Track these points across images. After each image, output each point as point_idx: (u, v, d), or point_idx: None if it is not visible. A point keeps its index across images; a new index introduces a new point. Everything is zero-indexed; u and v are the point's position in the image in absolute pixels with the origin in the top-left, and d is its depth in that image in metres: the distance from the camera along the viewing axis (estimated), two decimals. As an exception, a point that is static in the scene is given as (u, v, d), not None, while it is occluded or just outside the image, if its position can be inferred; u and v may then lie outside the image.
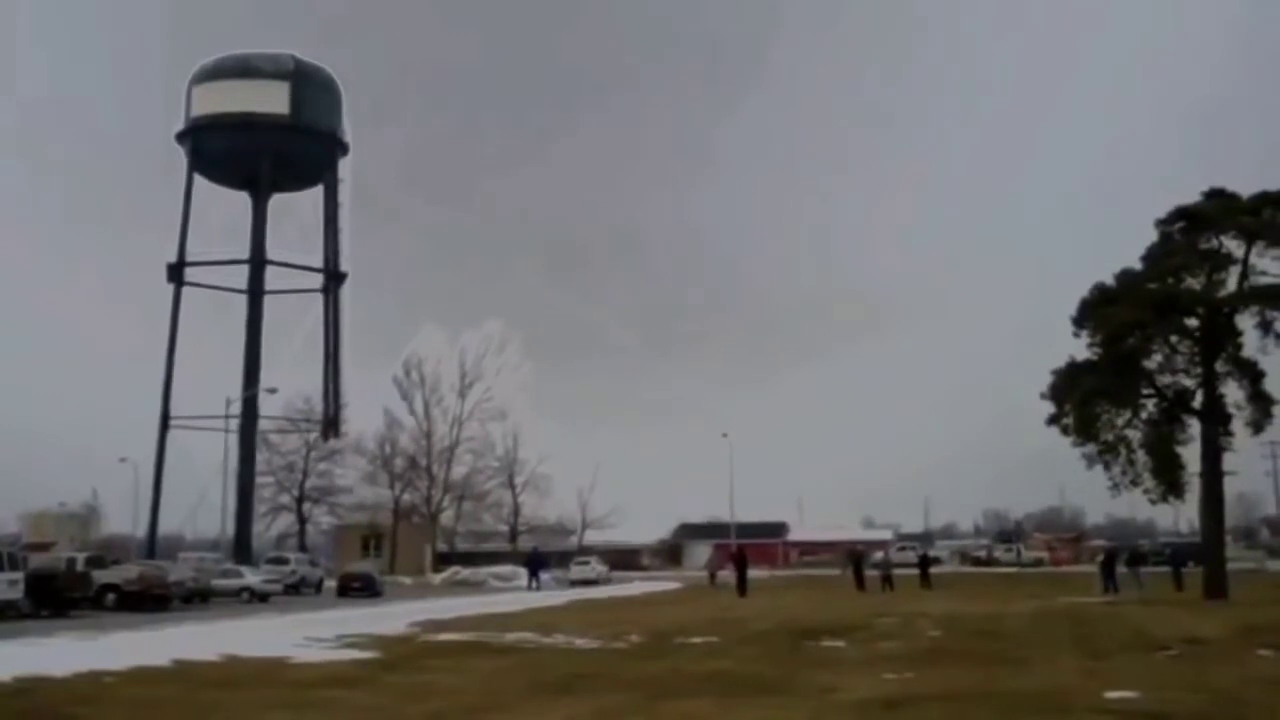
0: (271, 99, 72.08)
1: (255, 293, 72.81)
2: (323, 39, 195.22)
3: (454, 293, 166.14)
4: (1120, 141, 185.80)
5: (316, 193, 77.45)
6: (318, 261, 76.09)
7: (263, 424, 74.63)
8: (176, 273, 71.42)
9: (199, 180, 74.69)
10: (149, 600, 37.09)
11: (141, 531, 73.40)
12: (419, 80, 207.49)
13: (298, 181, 75.99)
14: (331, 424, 77.92)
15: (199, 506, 68.12)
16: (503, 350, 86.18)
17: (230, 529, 66.13)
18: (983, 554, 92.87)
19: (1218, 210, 36.56)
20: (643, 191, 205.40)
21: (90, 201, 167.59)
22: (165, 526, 76.21)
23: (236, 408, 64.94)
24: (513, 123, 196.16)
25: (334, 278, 75.78)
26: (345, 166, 77.98)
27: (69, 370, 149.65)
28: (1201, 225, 36.90)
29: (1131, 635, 21.91)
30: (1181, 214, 37.24)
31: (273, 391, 64.40)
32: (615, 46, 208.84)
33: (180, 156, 74.90)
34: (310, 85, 74.13)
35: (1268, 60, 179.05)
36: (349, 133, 77.74)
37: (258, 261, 72.01)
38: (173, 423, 71.59)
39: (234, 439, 65.98)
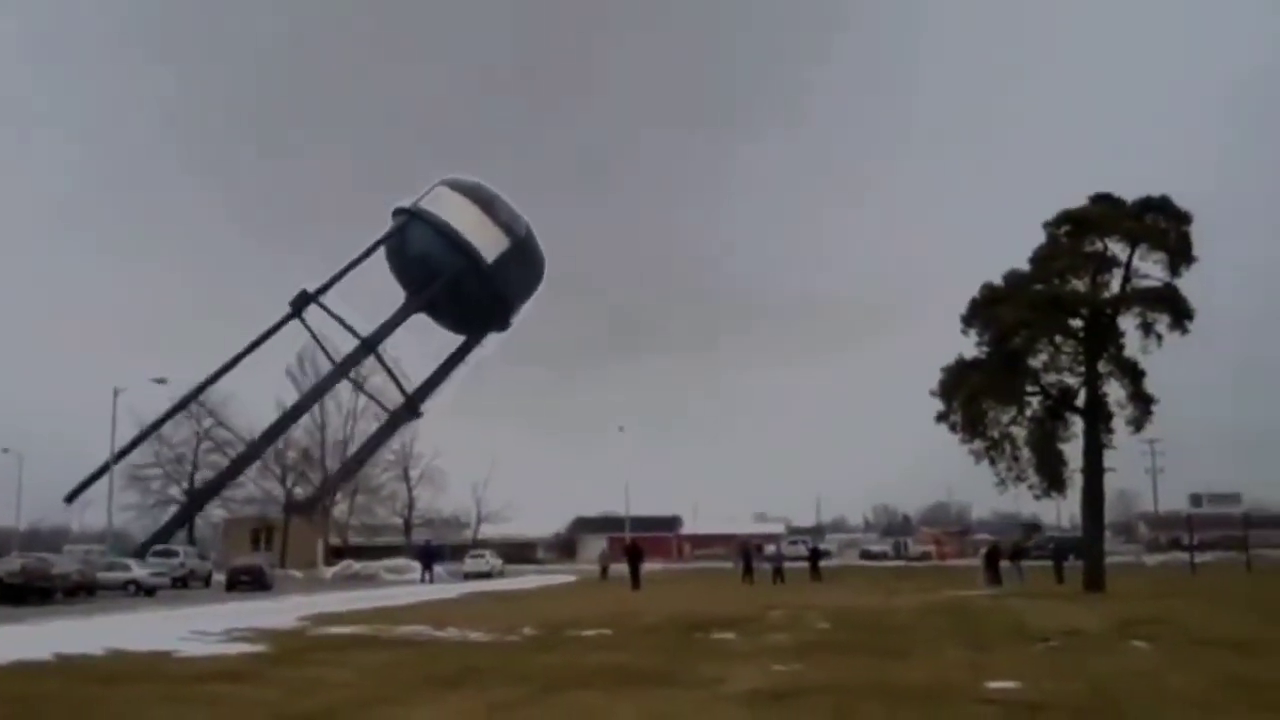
0: (489, 243, 71.77)
1: (342, 368, 72.62)
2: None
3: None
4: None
5: (454, 338, 77.09)
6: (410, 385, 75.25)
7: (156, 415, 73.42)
8: (303, 301, 70.37)
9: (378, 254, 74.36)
10: (31, 593, 36.31)
11: (24, 524, 71.66)
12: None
13: (449, 318, 75.45)
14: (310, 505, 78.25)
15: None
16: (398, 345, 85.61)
17: (117, 521, 65.07)
18: (887, 549, 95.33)
19: (1103, 214, 37.52)
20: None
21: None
22: (52, 519, 74.60)
23: (128, 396, 63.33)
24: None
25: (410, 408, 74.76)
26: (493, 341, 78.17)
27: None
28: (1087, 228, 37.84)
29: (1013, 627, 22.45)
30: (1068, 217, 38.15)
31: (162, 382, 62.94)
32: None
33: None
34: (524, 257, 73.94)
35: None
36: (519, 316, 78.15)
37: (368, 345, 71.38)
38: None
39: (121, 431, 64.54)
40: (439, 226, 71.28)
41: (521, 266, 73.86)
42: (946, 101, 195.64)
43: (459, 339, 76.48)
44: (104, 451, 61.82)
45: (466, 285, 71.18)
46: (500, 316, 75.52)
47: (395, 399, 73.58)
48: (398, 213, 73.90)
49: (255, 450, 74.88)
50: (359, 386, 76.37)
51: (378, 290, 75.06)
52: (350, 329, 70.77)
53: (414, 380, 73.80)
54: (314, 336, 72.30)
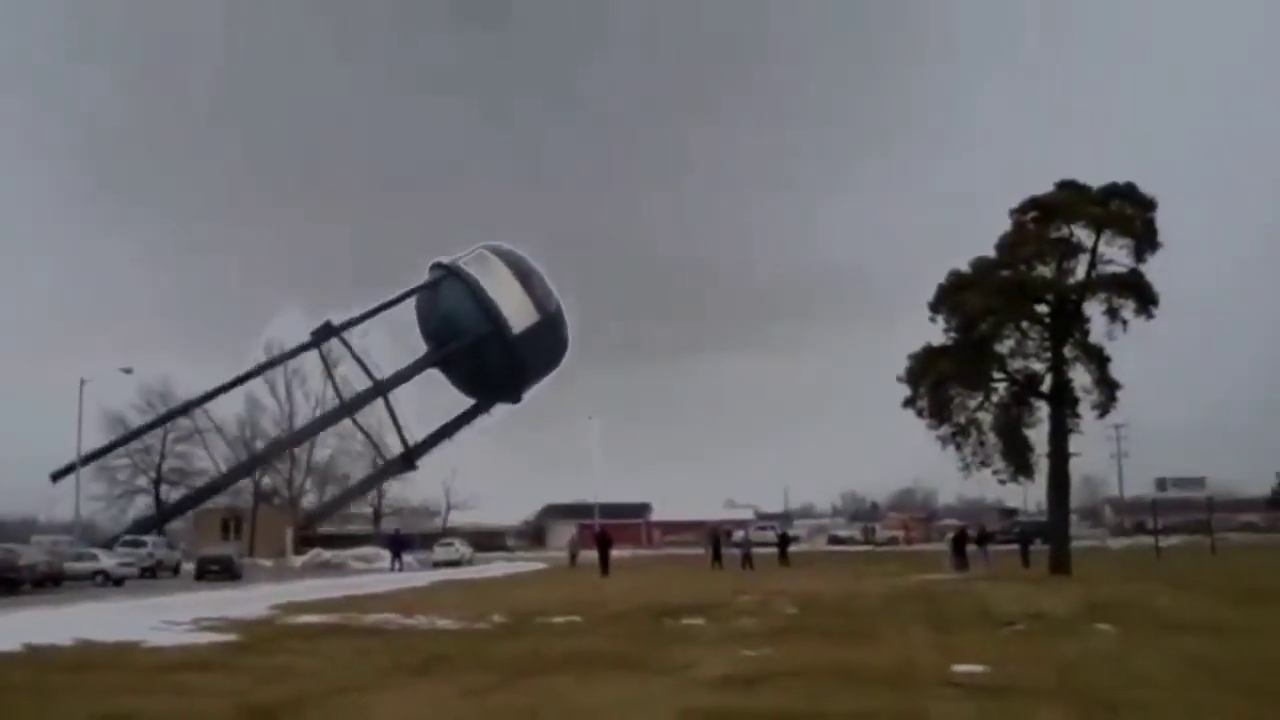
0: (519, 314, 71.83)
1: (349, 406, 72.31)
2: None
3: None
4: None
5: (464, 400, 77.14)
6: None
7: (121, 406, 73.18)
8: (324, 333, 70.32)
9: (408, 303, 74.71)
10: (-2, 584, 36.06)
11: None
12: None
13: (462, 380, 75.45)
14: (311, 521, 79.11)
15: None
16: (366, 333, 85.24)
17: (85, 512, 64.74)
18: (855, 534, 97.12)
19: (1069, 201, 37.74)
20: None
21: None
22: (17, 510, 74.04)
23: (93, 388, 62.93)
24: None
25: (407, 459, 74.84)
26: (504, 409, 78.16)
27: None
28: (1053, 215, 38.08)
29: (979, 611, 22.62)
30: (1034, 204, 38.37)
31: (129, 371, 62.49)
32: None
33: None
34: (550, 334, 73.86)
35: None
36: (532, 392, 78.23)
37: (377, 390, 71.18)
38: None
39: (88, 422, 64.15)
40: (473, 287, 71.54)
41: (545, 343, 74.03)
42: (923, 91, 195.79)
43: (465, 400, 76.91)
44: (70, 442, 61.39)
45: (488, 351, 71.38)
46: (514, 388, 75.64)
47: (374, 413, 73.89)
48: (435, 267, 74.09)
49: (251, 464, 74.95)
50: (363, 430, 75.79)
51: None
52: (367, 370, 71.17)
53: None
54: (327, 369, 73.00)
